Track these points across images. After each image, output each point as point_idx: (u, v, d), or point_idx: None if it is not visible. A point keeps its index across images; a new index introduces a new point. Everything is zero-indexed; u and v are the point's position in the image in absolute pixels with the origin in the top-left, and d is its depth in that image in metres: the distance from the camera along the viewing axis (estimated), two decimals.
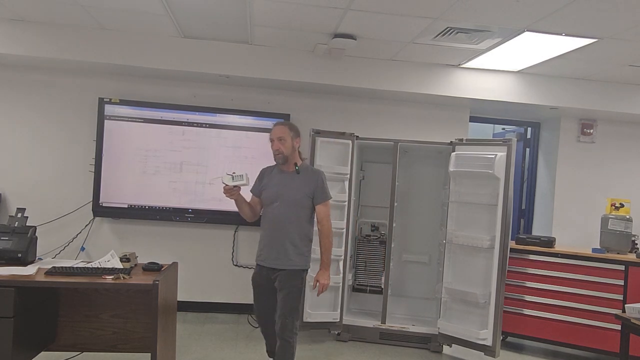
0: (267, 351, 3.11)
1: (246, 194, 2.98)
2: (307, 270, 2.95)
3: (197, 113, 4.50)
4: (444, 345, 4.05)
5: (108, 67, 4.26)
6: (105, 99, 4.38)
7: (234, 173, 2.82)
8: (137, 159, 4.43)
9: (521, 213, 5.59)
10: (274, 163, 3.01)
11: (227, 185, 2.81)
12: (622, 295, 3.89)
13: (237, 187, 2.83)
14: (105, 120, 4.38)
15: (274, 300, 2.89)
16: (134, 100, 4.44)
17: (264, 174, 3.05)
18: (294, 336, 2.82)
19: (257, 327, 4.01)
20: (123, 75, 4.52)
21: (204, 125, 4.50)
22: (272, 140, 2.94)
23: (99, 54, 4.07)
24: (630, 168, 5.18)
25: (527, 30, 3.41)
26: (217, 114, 4.53)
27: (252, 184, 2.99)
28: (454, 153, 3.97)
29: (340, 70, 4.35)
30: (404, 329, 4.11)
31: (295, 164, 2.97)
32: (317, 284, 2.92)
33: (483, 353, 3.74)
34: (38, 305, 2.78)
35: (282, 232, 2.88)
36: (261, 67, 4.26)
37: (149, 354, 2.56)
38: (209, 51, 4.20)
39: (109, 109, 4.39)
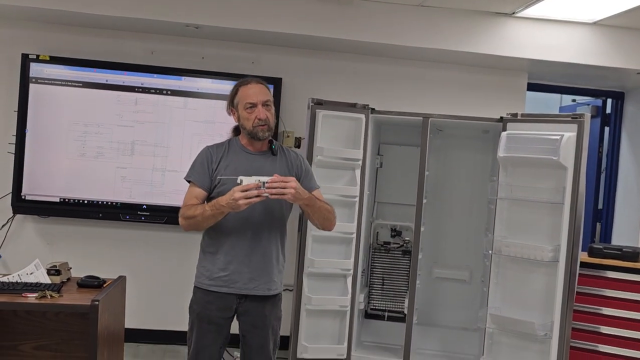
0: None
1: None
2: None
3: (155, 75, 4.50)
4: None
5: (35, 12, 4.24)
6: (30, 56, 4.38)
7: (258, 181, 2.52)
8: (72, 136, 4.44)
9: (597, 215, 5.61)
10: (221, 140, 2.86)
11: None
12: None
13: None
14: (31, 84, 4.38)
15: (222, 341, 2.78)
16: (69, 57, 4.44)
17: (212, 155, 2.80)
18: None
19: None
20: (55, 25, 4.51)
21: (164, 92, 4.51)
22: (252, 105, 2.74)
23: None
24: None
25: None
26: (183, 77, 4.54)
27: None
28: (505, 133, 3.96)
29: (351, 19, 4.34)
30: None
31: (271, 141, 2.84)
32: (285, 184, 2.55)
33: None
34: None
35: (261, 242, 2.75)
36: (243, 14, 4.25)
37: None
38: None
39: (35, 69, 4.39)
